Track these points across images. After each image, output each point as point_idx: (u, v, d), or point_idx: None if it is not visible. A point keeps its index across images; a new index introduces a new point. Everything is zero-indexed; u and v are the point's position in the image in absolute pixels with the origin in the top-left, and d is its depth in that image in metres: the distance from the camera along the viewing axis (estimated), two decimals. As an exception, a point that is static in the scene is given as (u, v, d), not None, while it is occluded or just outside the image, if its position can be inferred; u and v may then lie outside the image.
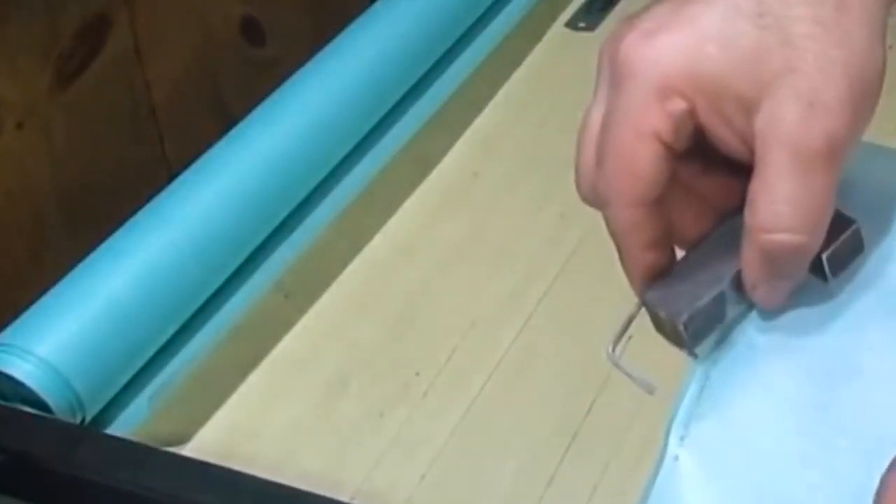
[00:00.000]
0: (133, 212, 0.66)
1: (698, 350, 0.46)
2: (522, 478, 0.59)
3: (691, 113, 0.43)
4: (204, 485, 0.51)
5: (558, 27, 0.89)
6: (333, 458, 0.61)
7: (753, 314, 0.48)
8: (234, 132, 0.71)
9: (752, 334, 0.48)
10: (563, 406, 0.62)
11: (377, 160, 0.77)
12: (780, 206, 0.42)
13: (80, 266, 0.63)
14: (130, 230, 0.65)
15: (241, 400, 0.64)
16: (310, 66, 0.75)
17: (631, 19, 0.45)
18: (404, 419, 0.62)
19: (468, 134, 0.80)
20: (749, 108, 0.42)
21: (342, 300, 0.70)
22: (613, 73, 0.43)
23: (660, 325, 0.46)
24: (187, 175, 0.68)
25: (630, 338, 0.65)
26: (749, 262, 0.44)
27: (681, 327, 0.45)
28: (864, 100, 0.42)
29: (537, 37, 0.88)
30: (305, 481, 0.51)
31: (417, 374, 0.65)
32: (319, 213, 0.73)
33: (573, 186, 0.46)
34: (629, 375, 0.48)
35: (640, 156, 0.43)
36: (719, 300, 0.46)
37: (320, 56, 0.76)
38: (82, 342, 0.59)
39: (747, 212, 0.43)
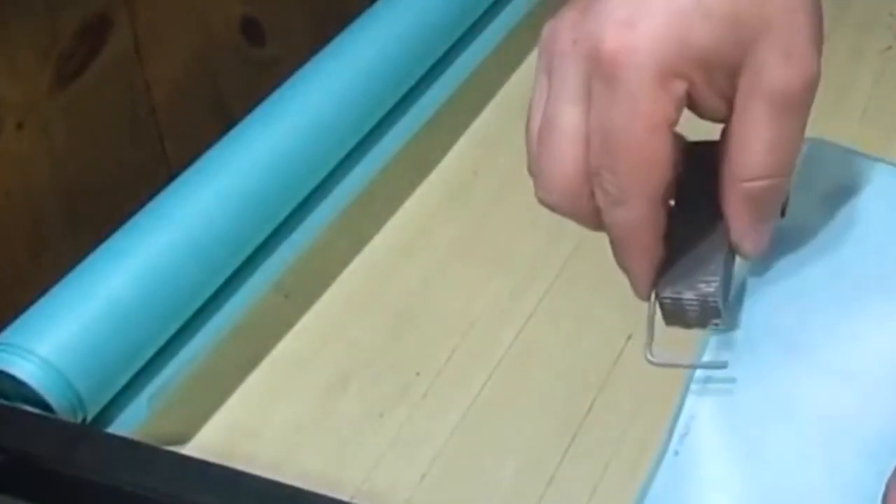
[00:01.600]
0: (133, 212, 0.66)
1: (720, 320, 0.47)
2: (522, 478, 0.59)
3: (689, 90, 0.43)
4: (204, 484, 0.51)
5: (558, 27, 0.89)
6: (333, 458, 0.61)
7: (755, 318, 0.48)
8: (234, 132, 0.71)
9: (755, 336, 0.48)
10: (563, 406, 0.62)
11: (377, 160, 0.77)
12: (764, 154, 0.44)
13: (80, 266, 0.63)
14: (130, 230, 0.65)
15: (241, 400, 0.64)
16: (310, 66, 0.75)
17: (578, 12, 0.45)
18: (404, 419, 0.62)
19: (468, 134, 0.80)
20: (734, 70, 0.43)
21: (342, 300, 0.70)
22: (598, 71, 0.43)
23: (676, 314, 0.47)
24: (187, 175, 0.68)
25: (630, 337, 0.65)
26: (735, 212, 0.46)
27: (713, 301, 0.46)
28: (822, 36, 0.44)
29: (537, 37, 0.87)
30: (305, 481, 0.51)
31: (417, 374, 0.65)
32: (319, 213, 0.73)
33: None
34: (688, 366, 0.48)
35: (656, 148, 0.43)
36: (727, 264, 0.47)
37: (320, 56, 0.76)
38: (83, 342, 0.59)
39: (729, 165, 0.44)
